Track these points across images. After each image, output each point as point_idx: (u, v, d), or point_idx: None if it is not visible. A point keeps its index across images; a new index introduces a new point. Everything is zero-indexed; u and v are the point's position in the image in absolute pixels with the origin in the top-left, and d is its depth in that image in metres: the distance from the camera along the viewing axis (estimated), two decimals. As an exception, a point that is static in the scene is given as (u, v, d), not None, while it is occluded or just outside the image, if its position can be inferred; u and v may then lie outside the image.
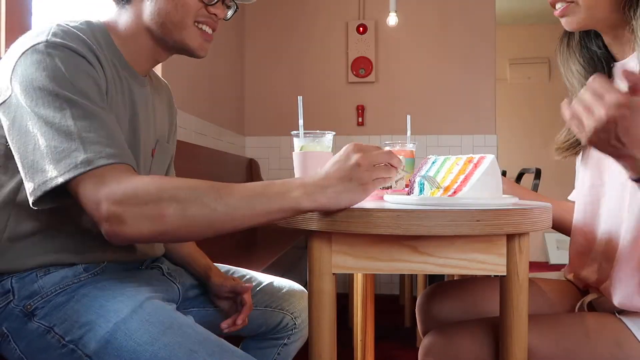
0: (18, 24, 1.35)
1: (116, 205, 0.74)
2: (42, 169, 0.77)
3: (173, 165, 1.22)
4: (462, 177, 0.84)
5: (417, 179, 0.92)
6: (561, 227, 1.17)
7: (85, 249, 0.93)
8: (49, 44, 0.82)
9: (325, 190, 0.74)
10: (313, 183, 0.74)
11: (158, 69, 2.20)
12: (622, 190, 0.96)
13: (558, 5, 0.98)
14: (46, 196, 0.78)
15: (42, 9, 1.51)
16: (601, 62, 1.04)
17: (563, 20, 1.00)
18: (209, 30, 1.00)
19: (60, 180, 0.76)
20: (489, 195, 0.82)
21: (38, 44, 0.82)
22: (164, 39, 0.98)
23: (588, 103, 0.73)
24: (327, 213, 0.76)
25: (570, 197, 1.20)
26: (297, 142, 1.01)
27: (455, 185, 0.84)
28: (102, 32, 0.94)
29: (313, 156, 1.00)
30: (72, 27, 0.88)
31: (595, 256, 1.05)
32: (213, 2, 0.97)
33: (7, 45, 0.87)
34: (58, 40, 0.84)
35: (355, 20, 3.50)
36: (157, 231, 0.74)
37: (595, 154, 1.04)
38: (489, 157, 0.83)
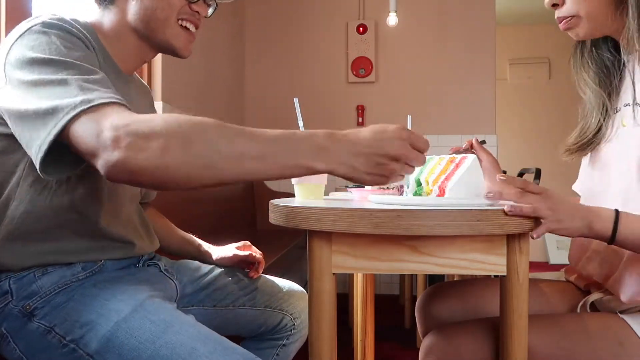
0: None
1: (119, 131, 0.68)
2: (43, 123, 0.72)
3: None
4: (442, 177, 0.85)
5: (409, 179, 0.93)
6: None
7: (83, 249, 0.93)
8: (44, 24, 0.82)
9: (344, 162, 0.72)
10: (338, 148, 0.72)
11: (158, 69, 2.20)
12: (627, 190, 0.96)
13: (563, 20, 0.99)
14: (51, 157, 0.73)
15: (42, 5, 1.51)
16: (613, 67, 1.03)
17: (570, 33, 1.01)
18: (192, 28, 1.01)
19: (62, 123, 0.70)
20: (470, 195, 0.82)
21: (34, 25, 0.82)
22: (149, 38, 0.99)
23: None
24: (327, 213, 0.76)
25: (574, 187, 1.20)
26: None
27: (437, 185, 0.85)
28: (88, 30, 0.94)
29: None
30: (65, 17, 0.88)
31: (599, 248, 1.04)
32: (195, 0, 0.99)
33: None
34: (54, 21, 0.84)
35: (355, 20, 3.50)
36: (158, 165, 0.68)
37: (603, 155, 1.03)
38: (470, 157, 0.84)
